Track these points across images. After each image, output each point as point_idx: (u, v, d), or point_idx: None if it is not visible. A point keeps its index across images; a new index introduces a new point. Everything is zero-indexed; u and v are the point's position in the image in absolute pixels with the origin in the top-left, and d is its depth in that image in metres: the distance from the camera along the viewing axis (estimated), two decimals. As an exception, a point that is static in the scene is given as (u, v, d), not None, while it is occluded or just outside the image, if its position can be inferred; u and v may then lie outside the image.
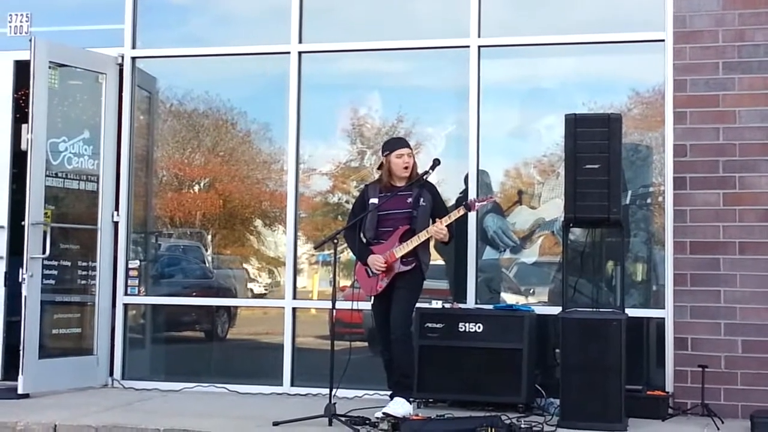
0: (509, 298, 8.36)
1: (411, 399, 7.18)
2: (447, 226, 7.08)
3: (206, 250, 9.44)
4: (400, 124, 8.78)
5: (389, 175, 7.24)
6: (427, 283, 7.47)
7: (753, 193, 7.53)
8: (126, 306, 8.83)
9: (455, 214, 7.18)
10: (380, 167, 7.36)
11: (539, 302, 8.27)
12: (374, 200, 7.26)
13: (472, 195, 8.07)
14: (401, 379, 7.10)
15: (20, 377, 7.96)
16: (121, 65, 8.87)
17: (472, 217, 8.01)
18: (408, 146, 7.33)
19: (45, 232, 8.15)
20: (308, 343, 8.58)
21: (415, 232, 7.11)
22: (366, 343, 8.29)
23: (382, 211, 7.22)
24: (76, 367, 8.48)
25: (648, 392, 7.35)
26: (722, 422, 7.03)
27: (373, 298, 7.28)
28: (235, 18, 9.03)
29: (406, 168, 7.19)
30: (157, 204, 9.26)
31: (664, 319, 7.68)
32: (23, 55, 8.42)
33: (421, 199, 7.19)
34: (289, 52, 8.63)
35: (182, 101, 9.31)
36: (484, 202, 7.56)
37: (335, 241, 7.21)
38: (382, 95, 8.82)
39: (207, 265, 9.46)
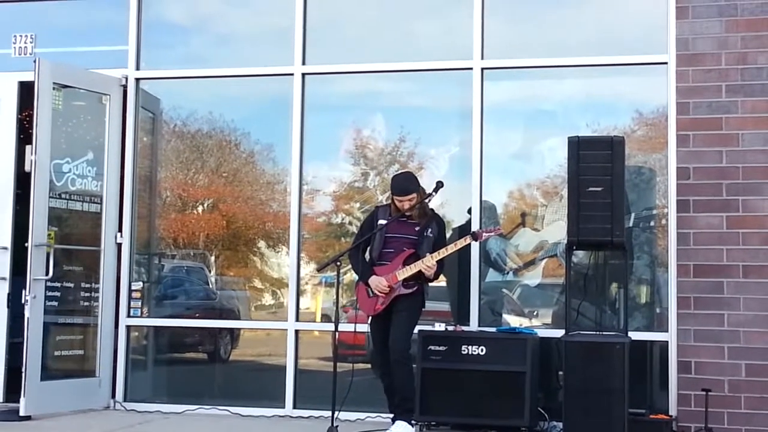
0: (512, 320, 8.32)
1: (413, 422, 7.16)
2: (439, 261, 7.09)
3: (209, 272, 9.41)
4: (403, 145, 8.79)
5: (395, 207, 7.27)
6: (430, 305, 7.49)
7: (756, 216, 7.51)
8: (128, 327, 8.80)
9: (461, 242, 7.20)
10: None
11: (542, 325, 8.26)
12: (382, 221, 7.28)
13: (475, 217, 8.08)
14: (402, 403, 7.08)
15: (22, 399, 7.93)
16: (124, 86, 8.87)
17: (475, 238, 8.01)
18: (408, 192, 7.16)
19: (48, 254, 8.14)
20: (311, 365, 8.55)
21: (419, 256, 7.12)
22: (368, 365, 8.25)
23: (389, 233, 7.24)
24: (78, 389, 8.45)
25: (651, 416, 7.31)
26: (726, 446, 7.03)
27: (371, 318, 7.26)
28: (237, 38, 9.04)
29: (408, 209, 7.19)
30: (160, 225, 9.25)
31: (667, 342, 7.66)
32: (27, 76, 8.44)
33: (429, 230, 7.23)
34: (292, 74, 8.63)
35: (186, 122, 9.32)
36: (492, 233, 7.48)
37: (338, 263, 7.14)
38: (385, 116, 8.81)
39: (210, 286, 9.43)
